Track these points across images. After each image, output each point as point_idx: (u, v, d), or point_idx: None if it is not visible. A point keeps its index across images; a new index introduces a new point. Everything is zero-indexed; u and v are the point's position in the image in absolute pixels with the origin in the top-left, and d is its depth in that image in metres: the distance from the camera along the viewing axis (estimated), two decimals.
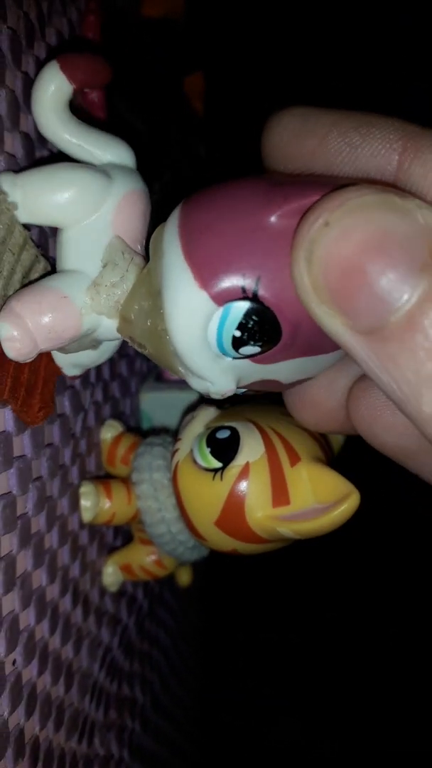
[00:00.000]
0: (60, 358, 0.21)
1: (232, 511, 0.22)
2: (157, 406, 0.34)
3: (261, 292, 0.15)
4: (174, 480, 0.24)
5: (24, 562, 0.21)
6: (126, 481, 0.27)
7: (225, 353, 0.16)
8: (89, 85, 0.19)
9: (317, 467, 0.21)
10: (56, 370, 0.22)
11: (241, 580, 0.74)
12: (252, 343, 0.15)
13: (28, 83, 0.21)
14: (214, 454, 0.22)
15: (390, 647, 0.89)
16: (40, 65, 0.22)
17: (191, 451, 0.23)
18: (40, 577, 0.23)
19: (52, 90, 0.18)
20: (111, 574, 0.29)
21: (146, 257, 0.18)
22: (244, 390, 0.17)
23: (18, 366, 0.20)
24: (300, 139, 0.16)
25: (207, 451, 0.22)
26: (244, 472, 0.22)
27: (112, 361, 0.31)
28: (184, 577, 0.36)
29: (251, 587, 0.85)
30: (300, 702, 0.90)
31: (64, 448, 0.25)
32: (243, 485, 0.21)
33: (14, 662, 0.21)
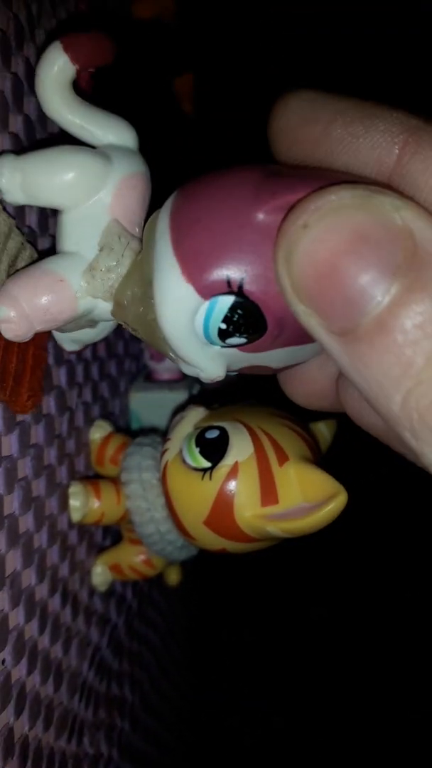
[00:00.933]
0: (59, 335, 0.21)
1: (221, 511, 0.22)
2: (146, 406, 0.34)
3: (246, 287, 0.15)
4: (163, 480, 0.24)
5: (13, 561, 0.21)
6: (115, 481, 0.27)
7: (212, 343, 0.16)
8: (93, 64, 0.19)
9: (305, 467, 0.21)
10: (44, 357, 0.22)
11: (230, 579, 0.74)
12: (238, 335, 0.16)
13: (18, 84, 0.21)
14: (203, 453, 0.22)
15: (380, 644, 0.90)
16: (29, 66, 0.22)
17: (180, 450, 0.23)
18: (29, 577, 0.23)
19: (55, 70, 0.18)
20: (100, 574, 0.29)
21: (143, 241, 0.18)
22: (235, 373, 0.18)
23: (5, 355, 0.20)
24: (305, 124, 0.15)
25: (196, 450, 0.23)
26: (233, 472, 0.22)
27: (101, 362, 0.31)
28: (173, 577, 0.37)
29: (240, 586, 0.86)
30: (289, 701, 0.90)
31: (49, 448, 0.25)
32: (232, 485, 0.22)
33: (3, 662, 0.21)
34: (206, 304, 0.15)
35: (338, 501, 0.20)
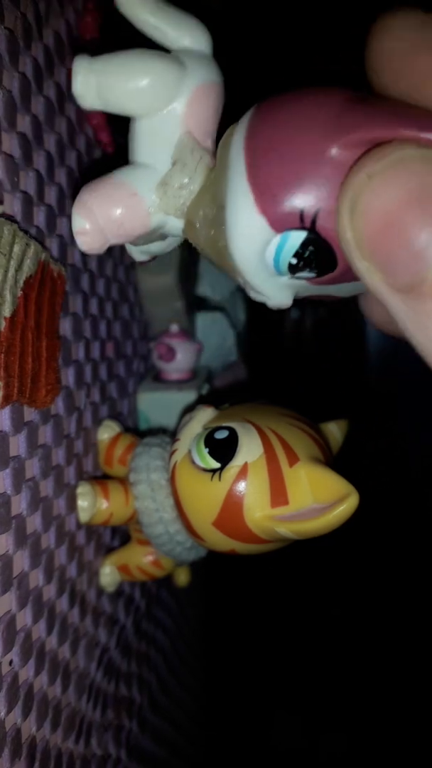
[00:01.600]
0: (130, 247, 0.21)
1: (231, 512, 0.22)
2: (154, 406, 0.34)
3: (320, 222, 0.15)
4: (172, 480, 0.24)
5: (21, 562, 0.21)
6: (124, 481, 0.27)
7: (282, 274, 0.16)
8: None
9: (316, 467, 0.21)
10: (57, 346, 0.22)
11: (239, 580, 0.74)
12: (308, 270, 0.16)
13: (26, 83, 0.21)
14: (212, 454, 0.22)
15: (392, 644, 0.89)
16: (37, 65, 0.22)
17: (189, 451, 0.23)
18: (37, 578, 0.23)
19: None
20: (108, 575, 0.29)
21: (216, 155, 0.18)
22: (302, 297, 0.18)
23: (21, 357, 0.20)
24: (413, 53, 0.14)
25: (205, 451, 0.22)
26: (243, 473, 0.22)
27: (109, 362, 0.31)
28: (182, 577, 0.36)
29: (250, 587, 0.85)
30: (301, 701, 0.90)
31: (57, 449, 0.25)
32: (241, 485, 0.21)
33: (11, 662, 0.21)
34: (278, 237, 0.15)
35: (350, 502, 0.19)
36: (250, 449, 0.22)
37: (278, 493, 0.21)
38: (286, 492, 0.21)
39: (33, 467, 0.22)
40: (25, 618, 0.22)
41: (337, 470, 0.21)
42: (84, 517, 0.26)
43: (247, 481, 0.21)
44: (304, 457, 0.22)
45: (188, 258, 0.38)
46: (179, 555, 0.27)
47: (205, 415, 0.24)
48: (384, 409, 1.03)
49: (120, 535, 0.32)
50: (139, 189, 0.17)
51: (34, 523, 0.22)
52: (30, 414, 0.22)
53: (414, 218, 0.11)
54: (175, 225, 0.18)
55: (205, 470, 0.22)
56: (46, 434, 0.24)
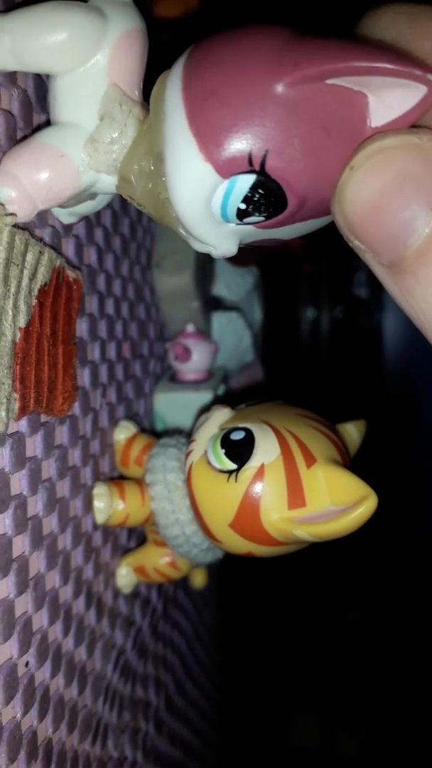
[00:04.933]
0: (56, 210, 0.20)
1: (247, 513, 0.21)
2: (170, 407, 0.34)
3: (269, 163, 0.14)
4: (188, 482, 0.23)
5: (37, 563, 0.21)
6: (140, 482, 0.27)
7: (228, 221, 0.16)
8: None
9: (334, 469, 0.21)
10: (73, 352, 0.22)
11: (256, 581, 0.73)
12: (257, 214, 0.15)
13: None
14: (228, 455, 0.22)
15: (407, 644, 0.88)
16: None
17: (205, 452, 0.23)
18: (53, 579, 0.23)
19: None
20: (125, 576, 0.29)
21: (145, 105, 0.17)
22: (245, 244, 0.17)
23: (38, 366, 0.20)
24: (405, 41, 0.14)
25: (221, 452, 0.22)
26: (259, 474, 0.21)
27: (125, 362, 0.31)
28: (199, 579, 0.36)
29: (267, 589, 0.85)
30: (318, 702, 0.89)
31: (73, 449, 0.24)
32: (258, 487, 0.21)
33: (27, 664, 0.21)
34: (225, 183, 0.15)
35: (368, 504, 0.19)
36: (266, 450, 0.22)
37: (295, 495, 0.21)
38: (303, 494, 0.21)
39: (50, 468, 0.22)
40: (41, 619, 0.22)
41: (355, 471, 0.21)
42: (100, 518, 0.26)
43: (264, 483, 0.21)
44: (321, 458, 0.21)
45: (204, 258, 0.38)
46: (196, 557, 0.27)
47: (221, 416, 0.24)
48: (400, 409, 1.02)
49: (136, 536, 0.31)
50: (66, 149, 0.17)
51: (51, 523, 0.22)
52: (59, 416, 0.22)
53: (390, 201, 0.13)
54: (108, 182, 0.17)
55: (222, 471, 0.22)
56: (62, 435, 0.24)
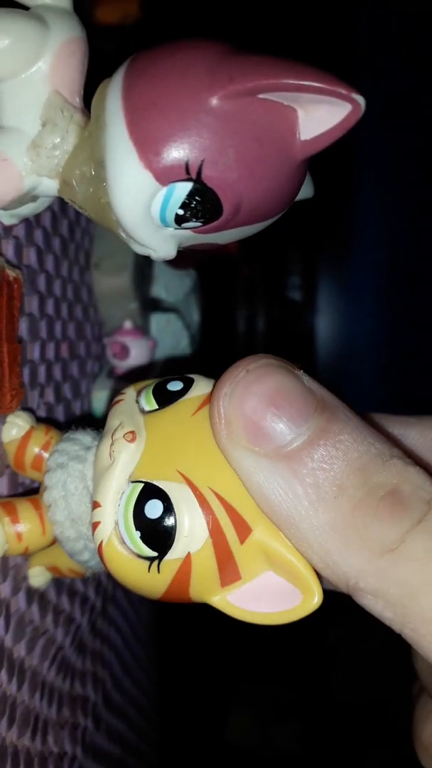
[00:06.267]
0: None
1: (176, 596, 0.18)
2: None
3: (205, 172, 0.15)
4: (102, 560, 0.18)
5: None
6: (37, 501, 0.21)
7: (167, 226, 0.17)
8: None
9: (271, 543, 0.17)
10: (18, 350, 0.22)
11: None
12: (194, 220, 0.16)
13: None
14: (145, 540, 0.17)
15: (342, 640, 0.91)
16: None
17: (116, 525, 0.18)
18: None
19: None
20: (39, 576, 0.26)
21: (86, 111, 0.17)
22: (183, 247, 0.18)
23: None
24: None
25: (137, 535, 0.17)
26: (186, 565, 0.17)
27: (64, 363, 0.31)
28: None
29: None
30: (254, 696, 0.91)
31: None
32: (185, 576, 0.17)
33: None
34: (164, 190, 0.16)
35: (307, 607, 0.17)
36: (192, 535, 0.17)
37: (228, 572, 0.17)
38: (237, 569, 0.17)
39: None
40: None
41: None
42: None
43: (192, 572, 0.17)
44: (257, 526, 0.17)
45: (143, 260, 0.38)
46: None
47: (128, 459, 0.18)
48: None
49: None
50: (8, 153, 0.17)
51: None
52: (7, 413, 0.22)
53: (269, 412, 0.15)
54: (49, 186, 0.18)
55: (140, 557, 0.17)
56: None
